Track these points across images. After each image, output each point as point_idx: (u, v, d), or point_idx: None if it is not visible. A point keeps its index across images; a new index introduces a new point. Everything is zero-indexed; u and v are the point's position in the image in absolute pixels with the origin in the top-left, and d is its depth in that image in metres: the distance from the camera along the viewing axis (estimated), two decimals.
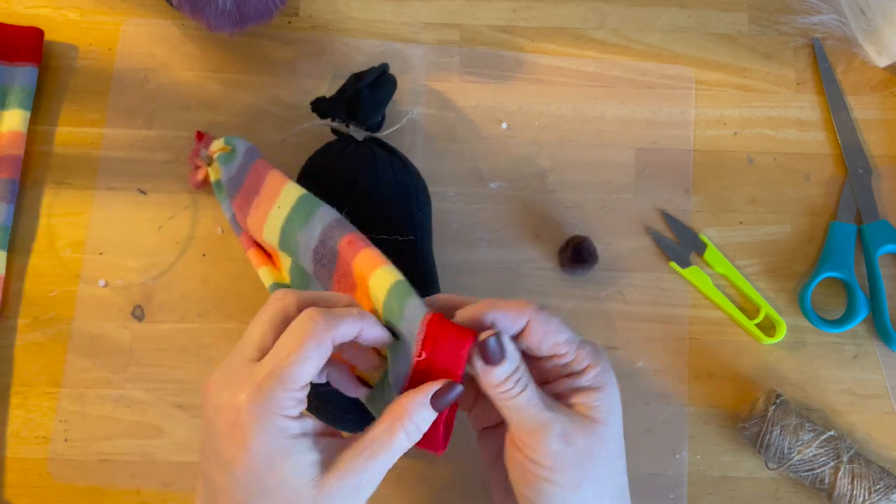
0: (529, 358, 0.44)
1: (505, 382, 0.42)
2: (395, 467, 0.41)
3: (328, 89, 0.64)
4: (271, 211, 0.54)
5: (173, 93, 0.64)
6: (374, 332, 0.43)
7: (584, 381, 0.44)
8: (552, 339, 0.43)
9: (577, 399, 0.44)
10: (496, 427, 0.49)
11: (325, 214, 0.51)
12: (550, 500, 0.43)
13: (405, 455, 0.42)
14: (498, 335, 0.42)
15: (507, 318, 0.43)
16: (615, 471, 0.45)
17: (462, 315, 0.44)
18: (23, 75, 0.62)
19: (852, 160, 0.64)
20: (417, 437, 0.42)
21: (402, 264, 0.54)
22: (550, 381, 0.45)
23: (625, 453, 0.45)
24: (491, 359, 0.42)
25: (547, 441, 0.42)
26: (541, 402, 0.43)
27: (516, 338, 0.43)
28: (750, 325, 0.61)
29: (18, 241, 0.61)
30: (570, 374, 0.44)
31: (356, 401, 0.49)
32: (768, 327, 0.61)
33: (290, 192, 0.53)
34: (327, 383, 0.47)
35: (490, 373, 0.42)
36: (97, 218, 0.62)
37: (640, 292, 0.62)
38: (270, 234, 0.54)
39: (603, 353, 0.45)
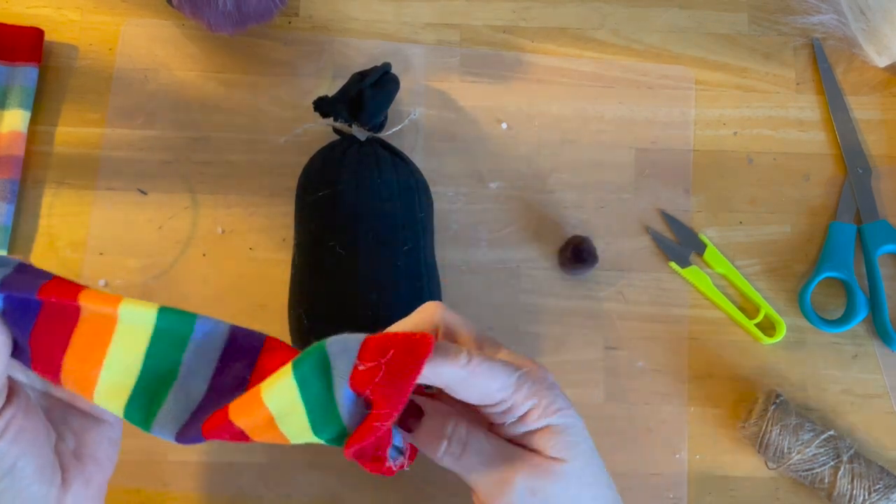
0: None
1: (438, 452, 0.40)
2: None
3: (328, 89, 0.64)
4: (109, 348, 0.39)
5: (173, 93, 0.64)
6: None
7: (532, 424, 0.40)
8: (478, 393, 0.39)
9: (532, 443, 0.40)
10: None
11: (207, 333, 0.40)
12: None
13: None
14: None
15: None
16: (593, 497, 0.41)
17: None
18: (23, 75, 0.63)
19: (852, 160, 0.64)
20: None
21: (405, 266, 0.54)
22: (503, 423, 0.41)
23: (603, 471, 0.42)
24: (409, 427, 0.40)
25: (510, 499, 0.39)
26: (494, 457, 0.39)
27: (434, 395, 0.41)
28: (750, 324, 0.61)
29: (18, 242, 0.61)
30: (518, 420, 0.40)
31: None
32: (768, 327, 0.61)
33: (137, 315, 0.38)
34: None
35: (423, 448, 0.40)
36: (97, 218, 0.62)
37: (639, 292, 0.62)
38: (117, 380, 0.40)
39: (546, 378, 0.41)
